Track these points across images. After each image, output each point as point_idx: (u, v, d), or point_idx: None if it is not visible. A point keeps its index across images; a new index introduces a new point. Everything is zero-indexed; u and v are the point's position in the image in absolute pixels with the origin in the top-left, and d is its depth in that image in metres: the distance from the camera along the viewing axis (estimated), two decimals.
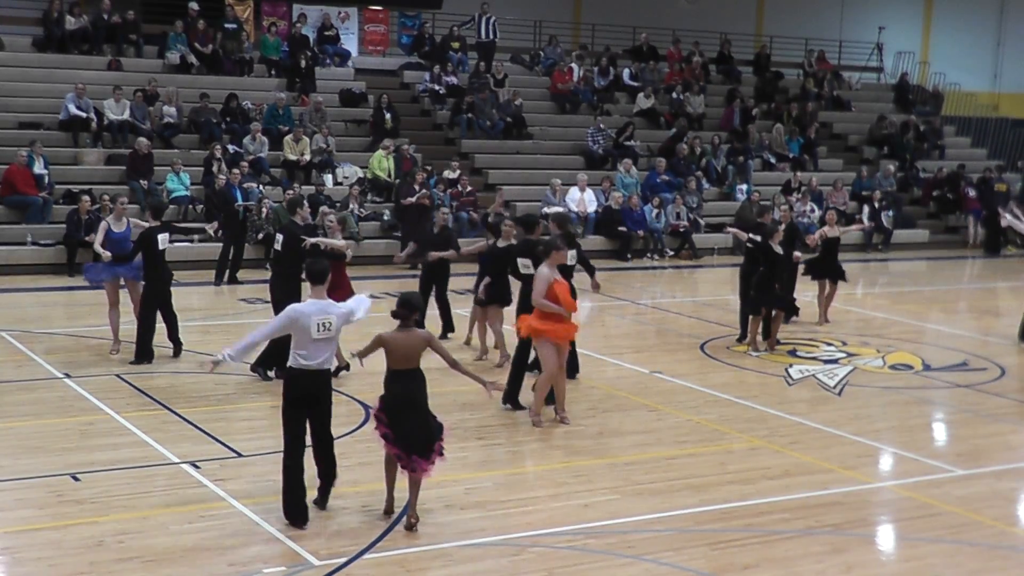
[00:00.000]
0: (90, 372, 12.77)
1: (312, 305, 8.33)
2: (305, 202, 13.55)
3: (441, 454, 8.45)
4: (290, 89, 25.14)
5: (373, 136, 24.70)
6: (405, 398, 8.36)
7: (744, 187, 26.76)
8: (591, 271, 12.85)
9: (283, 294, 12.05)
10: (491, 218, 17.73)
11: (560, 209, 23.56)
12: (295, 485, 8.38)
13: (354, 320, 8.65)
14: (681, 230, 24.71)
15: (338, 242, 12.79)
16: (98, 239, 13.70)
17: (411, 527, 8.28)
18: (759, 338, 14.93)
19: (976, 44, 37.87)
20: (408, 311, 8.43)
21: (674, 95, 29.10)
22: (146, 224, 13.36)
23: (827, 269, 17.15)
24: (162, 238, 13.26)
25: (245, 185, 21.13)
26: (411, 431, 8.29)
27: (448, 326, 14.80)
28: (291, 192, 21.03)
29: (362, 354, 8.60)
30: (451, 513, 8.76)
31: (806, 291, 17.90)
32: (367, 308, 8.84)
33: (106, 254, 13.45)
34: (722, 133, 28.39)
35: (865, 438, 11.28)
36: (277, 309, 11.77)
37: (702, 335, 15.53)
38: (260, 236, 20.88)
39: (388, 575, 7.65)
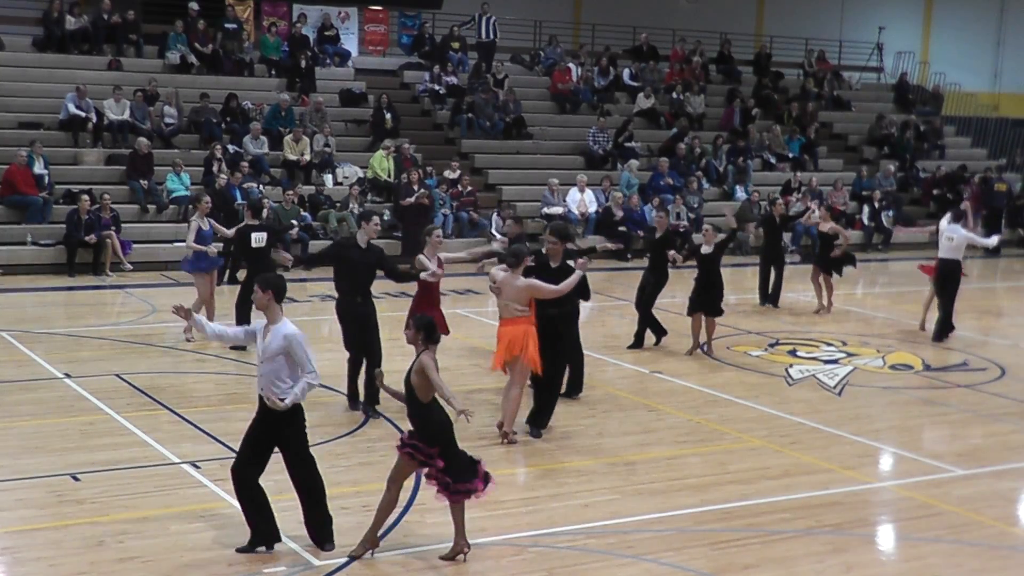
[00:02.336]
0: (90, 372, 12.77)
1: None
2: (376, 217, 11.76)
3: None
4: (290, 89, 25.13)
5: (373, 136, 24.70)
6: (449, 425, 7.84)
7: (743, 187, 26.77)
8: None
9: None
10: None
11: (559, 210, 23.60)
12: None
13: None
14: (681, 230, 24.68)
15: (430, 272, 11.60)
16: (190, 238, 14.62)
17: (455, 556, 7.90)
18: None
19: (976, 44, 37.85)
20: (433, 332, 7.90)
21: (674, 95, 29.10)
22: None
23: (820, 262, 17.71)
24: (256, 236, 13.64)
25: (245, 185, 21.14)
26: (457, 457, 7.84)
27: None
28: (356, 208, 20.78)
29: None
30: (451, 513, 8.74)
31: (803, 291, 17.92)
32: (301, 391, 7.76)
33: (204, 248, 14.53)
34: (723, 133, 28.38)
35: (865, 438, 11.29)
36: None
37: (702, 335, 15.51)
38: None
39: (388, 575, 7.65)
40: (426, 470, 7.84)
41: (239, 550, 7.86)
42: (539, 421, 11.05)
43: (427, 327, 7.87)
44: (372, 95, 25.79)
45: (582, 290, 11.62)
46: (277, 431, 7.81)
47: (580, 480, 9.72)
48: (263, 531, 7.87)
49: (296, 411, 7.79)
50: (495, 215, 23.39)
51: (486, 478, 7.87)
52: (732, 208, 15.48)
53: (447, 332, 11.82)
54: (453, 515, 7.88)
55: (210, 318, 14.23)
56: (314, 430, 10.74)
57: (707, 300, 14.52)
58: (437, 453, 7.71)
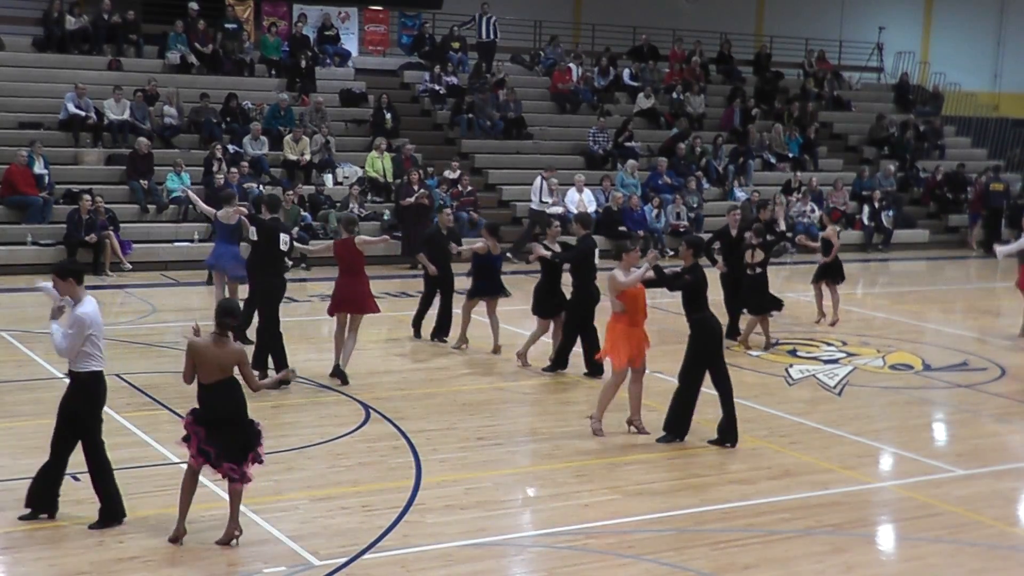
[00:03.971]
0: None
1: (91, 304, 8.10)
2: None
3: (260, 461, 8.00)
4: (290, 89, 25.13)
5: (373, 136, 24.68)
6: (223, 413, 7.90)
7: (743, 187, 26.78)
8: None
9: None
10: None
11: (559, 210, 23.59)
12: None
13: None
14: (681, 230, 24.70)
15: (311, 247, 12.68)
16: (201, 205, 16.05)
17: (229, 541, 7.92)
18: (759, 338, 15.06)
19: (976, 44, 37.86)
20: (230, 319, 8.01)
21: (674, 95, 29.10)
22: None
23: (829, 270, 17.20)
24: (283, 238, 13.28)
25: (245, 185, 21.13)
26: (227, 442, 7.88)
27: (444, 329, 14.92)
28: (271, 190, 21.02)
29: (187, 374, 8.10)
30: (451, 513, 8.76)
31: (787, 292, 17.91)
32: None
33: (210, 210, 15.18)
34: (723, 133, 28.37)
35: (865, 438, 11.28)
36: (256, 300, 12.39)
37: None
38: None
39: (388, 575, 7.65)
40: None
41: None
42: (670, 428, 10.88)
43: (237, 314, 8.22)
44: (372, 95, 25.78)
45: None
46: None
47: (580, 480, 9.72)
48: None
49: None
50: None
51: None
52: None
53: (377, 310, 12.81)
54: (231, 499, 7.97)
55: None
56: (314, 430, 10.80)
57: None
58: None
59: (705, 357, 10.71)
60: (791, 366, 14.30)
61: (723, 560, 8.06)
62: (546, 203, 23.39)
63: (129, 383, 12.32)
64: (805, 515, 9.02)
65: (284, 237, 12.60)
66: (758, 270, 14.99)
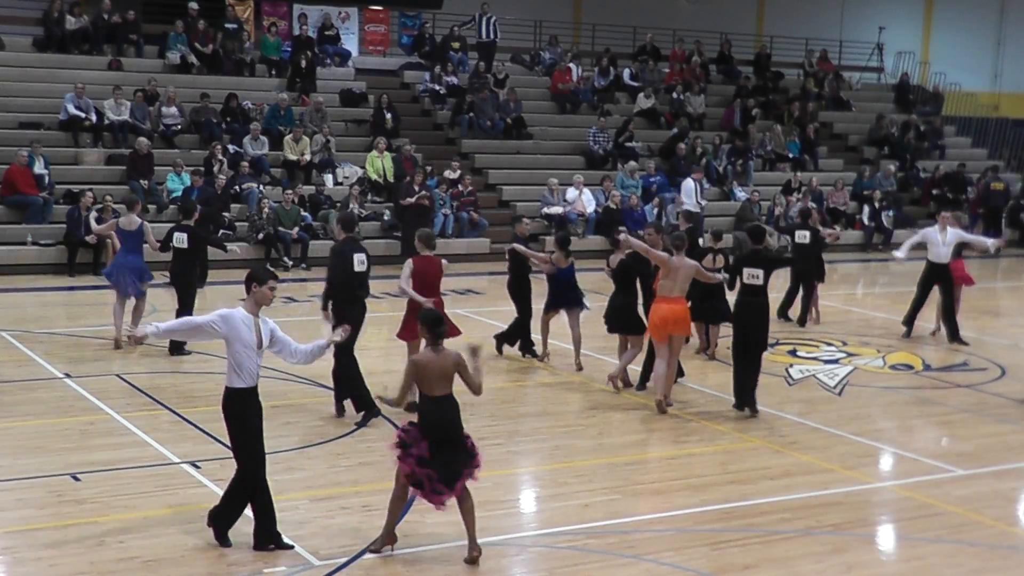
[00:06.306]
0: (90, 372, 12.77)
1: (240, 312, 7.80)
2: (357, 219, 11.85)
3: (473, 477, 7.85)
4: (290, 89, 25.13)
5: (373, 136, 24.68)
6: (450, 429, 7.78)
7: (743, 187, 26.78)
8: None
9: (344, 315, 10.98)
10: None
11: (559, 210, 23.58)
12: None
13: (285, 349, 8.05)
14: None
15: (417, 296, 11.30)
16: (101, 228, 15.15)
17: (475, 560, 7.78)
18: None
19: (976, 44, 37.86)
20: (442, 327, 7.88)
21: (674, 95, 29.10)
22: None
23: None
24: (177, 236, 13.57)
25: (245, 185, 21.13)
26: (450, 463, 7.70)
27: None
28: (338, 208, 20.62)
29: (399, 400, 8.04)
30: (451, 513, 8.74)
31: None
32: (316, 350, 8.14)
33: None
34: (723, 133, 28.37)
35: (865, 438, 11.29)
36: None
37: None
38: (260, 236, 20.90)
39: (388, 575, 7.65)
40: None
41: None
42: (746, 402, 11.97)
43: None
44: (372, 95, 25.79)
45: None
46: None
47: (580, 480, 9.72)
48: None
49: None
50: None
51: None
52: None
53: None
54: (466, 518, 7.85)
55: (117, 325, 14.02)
56: (314, 430, 10.81)
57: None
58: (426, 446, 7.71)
59: (758, 334, 11.78)
60: (791, 366, 14.30)
61: (723, 560, 8.07)
62: (702, 203, 24.15)
63: (129, 383, 12.33)
64: (805, 515, 9.02)
65: (178, 236, 13.49)
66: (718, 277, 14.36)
